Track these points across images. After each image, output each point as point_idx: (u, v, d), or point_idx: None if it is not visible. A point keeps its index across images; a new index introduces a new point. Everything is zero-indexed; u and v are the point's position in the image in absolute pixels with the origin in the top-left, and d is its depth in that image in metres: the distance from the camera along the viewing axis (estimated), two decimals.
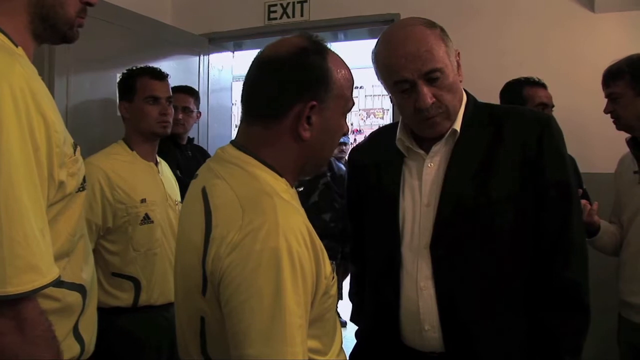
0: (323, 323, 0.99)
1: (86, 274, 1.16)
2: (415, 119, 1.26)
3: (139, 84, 2.02)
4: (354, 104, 1.08)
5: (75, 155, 1.06)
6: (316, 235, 0.95)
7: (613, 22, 2.68)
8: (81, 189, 1.11)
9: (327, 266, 0.97)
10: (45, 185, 0.95)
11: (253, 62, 1.04)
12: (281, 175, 1.01)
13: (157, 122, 2.02)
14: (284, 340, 0.85)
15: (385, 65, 1.24)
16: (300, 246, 0.88)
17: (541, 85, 2.27)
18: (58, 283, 0.97)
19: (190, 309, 0.99)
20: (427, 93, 1.20)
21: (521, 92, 2.23)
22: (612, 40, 2.62)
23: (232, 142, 1.05)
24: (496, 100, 2.28)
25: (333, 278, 0.99)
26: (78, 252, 1.14)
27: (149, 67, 2.09)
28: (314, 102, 0.98)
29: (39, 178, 0.93)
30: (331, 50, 1.03)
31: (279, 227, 0.87)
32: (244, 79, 1.05)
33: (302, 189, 3.40)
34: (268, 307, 0.85)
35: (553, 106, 2.25)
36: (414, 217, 1.29)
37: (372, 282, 1.39)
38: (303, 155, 1.02)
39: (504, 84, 2.35)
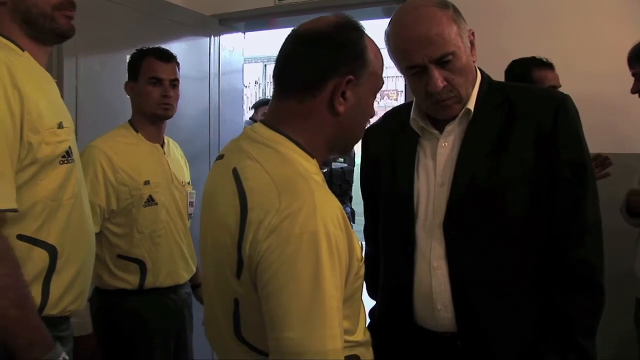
0: (352, 303, 0.99)
1: (66, 240, 1.33)
2: (427, 102, 1.26)
3: (145, 64, 2.00)
4: (383, 83, 1.09)
5: (57, 130, 1.28)
6: (347, 218, 0.95)
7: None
8: (64, 162, 1.31)
9: (358, 248, 0.98)
10: (17, 139, 1.19)
11: (287, 38, 1.04)
12: (312, 157, 1.01)
13: (158, 104, 1.99)
14: (324, 324, 0.86)
15: (397, 49, 1.24)
16: (336, 229, 0.89)
17: (549, 65, 2.23)
18: (22, 237, 1.23)
19: (223, 291, 0.99)
20: (438, 77, 1.19)
21: (530, 73, 2.18)
22: (630, 17, 2.56)
23: (263, 121, 1.05)
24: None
25: (362, 259, 1.00)
26: (60, 218, 1.31)
27: (158, 47, 2.07)
28: (351, 77, 0.99)
29: (13, 132, 1.18)
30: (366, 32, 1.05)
31: (316, 211, 0.88)
32: (277, 55, 1.05)
33: None
34: (307, 291, 0.85)
35: (560, 87, 2.19)
36: (428, 197, 1.29)
37: (386, 262, 1.40)
38: (335, 131, 1.03)
39: None
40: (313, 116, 1.00)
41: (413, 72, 1.22)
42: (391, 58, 1.27)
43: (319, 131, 1.01)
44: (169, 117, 2.05)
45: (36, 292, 1.27)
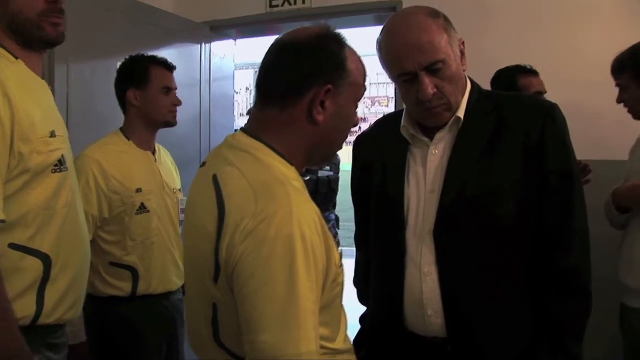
0: (331, 309, 1.00)
1: (61, 248, 1.32)
2: (417, 109, 1.28)
3: (154, 73, 2.01)
4: (365, 90, 1.11)
5: (49, 138, 1.27)
6: (325, 224, 0.96)
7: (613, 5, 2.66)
8: (57, 170, 1.30)
9: (336, 254, 0.98)
10: (7, 148, 1.19)
11: (270, 47, 1.06)
12: (291, 164, 1.02)
13: (169, 112, 2.04)
14: (298, 326, 0.86)
15: (388, 56, 1.26)
16: (312, 233, 0.90)
17: (533, 72, 2.26)
18: (13, 246, 1.22)
19: (202, 296, 1.00)
20: (428, 84, 1.21)
21: (515, 81, 2.21)
22: (615, 23, 2.60)
23: (243, 129, 1.06)
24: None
25: (341, 266, 1.00)
26: (53, 226, 1.31)
27: (159, 57, 2.09)
28: (330, 86, 1.00)
29: (2, 142, 1.18)
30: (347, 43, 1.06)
31: (292, 214, 0.88)
32: (259, 64, 1.06)
33: None
34: (282, 293, 0.86)
35: (545, 92, 2.23)
36: (418, 204, 1.30)
37: (377, 268, 1.41)
38: (314, 140, 1.03)
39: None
40: (293, 125, 1.01)
41: (404, 79, 1.24)
42: (382, 65, 1.29)
43: (298, 139, 1.02)
44: (176, 123, 2.09)
45: (30, 301, 1.26)
